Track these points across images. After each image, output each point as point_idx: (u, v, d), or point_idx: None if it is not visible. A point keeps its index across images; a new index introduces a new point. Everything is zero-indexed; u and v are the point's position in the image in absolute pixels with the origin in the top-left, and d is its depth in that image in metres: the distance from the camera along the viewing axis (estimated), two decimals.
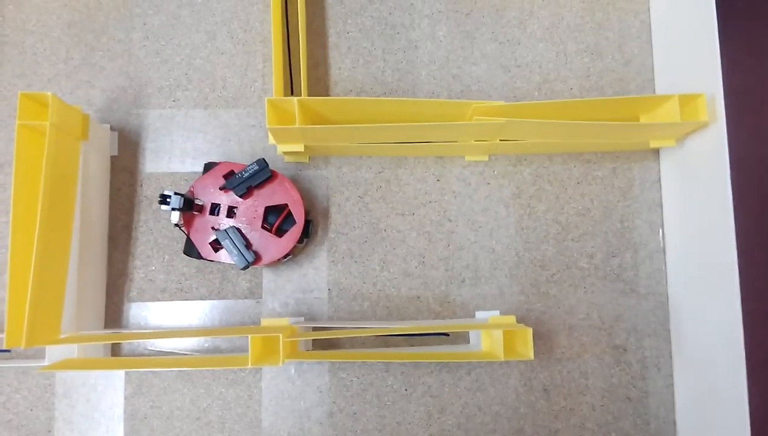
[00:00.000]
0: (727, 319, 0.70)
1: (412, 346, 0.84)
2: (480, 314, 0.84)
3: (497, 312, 0.83)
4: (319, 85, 0.88)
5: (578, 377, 0.84)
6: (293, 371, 0.83)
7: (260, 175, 0.76)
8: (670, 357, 0.85)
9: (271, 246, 0.77)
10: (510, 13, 0.90)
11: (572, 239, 0.86)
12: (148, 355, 0.83)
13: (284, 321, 0.79)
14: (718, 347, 0.73)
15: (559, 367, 0.84)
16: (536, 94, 0.89)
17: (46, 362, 0.76)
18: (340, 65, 0.88)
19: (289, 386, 0.82)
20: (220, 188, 0.77)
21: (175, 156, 0.86)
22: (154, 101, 0.87)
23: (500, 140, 0.80)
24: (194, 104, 0.87)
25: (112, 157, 0.85)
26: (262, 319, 0.81)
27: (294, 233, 0.77)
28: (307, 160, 0.86)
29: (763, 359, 0.69)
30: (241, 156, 0.86)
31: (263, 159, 0.76)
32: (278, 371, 0.83)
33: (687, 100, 0.75)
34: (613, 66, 0.89)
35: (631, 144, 0.84)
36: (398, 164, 0.86)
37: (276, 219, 0.77)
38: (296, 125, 0.72)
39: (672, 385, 0.84)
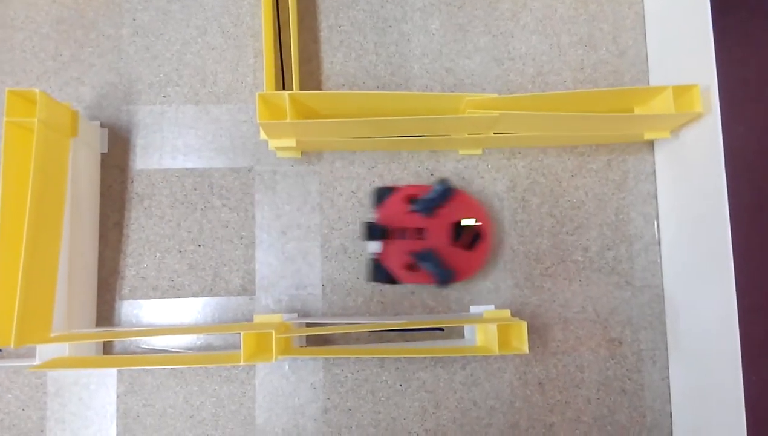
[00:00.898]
0: (723, 311, 0.70)
1: (407, 341, 0.83)
2: (475, 309, 0.83)
3: (492, 306, 0.83)
4: (311, 80, 0.87)
5: (573, 371, 0.84)
6: (287, 367, 0.82)
7: (445, 195, 0.78)
8: (666, 350, 0.84)
9: (465, 261, 0.79)
10: (503, 5, 0.89)
11: (567, 232, 0.85)
12: (141, 353, 0.82)
13: (277, 317, 0.79)
14: (713, 339, 0.73)
15: (554, 360, 0.84)
16: (530, 86, 0.88)
17: (37, 362, 0.75)
18: (332, 59, 0.88)
19: (283, 383, 0.82)
20: (406, 212, 0.79)
21: (166, 152, 0.85)
22: (145, 97, 0.86)
23: (494, 133, 0.80)
24: (185, 100, 0.86)
25: (103, 155, 0.84)
26: (254, 315, 0.81)
27: (485, 245, 0.80)
28: (300, 156, 0.85)
29: (758, 351, 0.68)
30: (233, 152, 0.85)
31: (446, 179, 0.79)
32: (272, 368, 0.82)
33: (681, 91, 0.74)
34: (608, 58, 0.89)
35: (626, 136, 0.83)
36: (392, 159, 0.86)
37: (461, 234, 0.79)
38: (287, 120, 0.71)
39: (668, 377, 0.84)
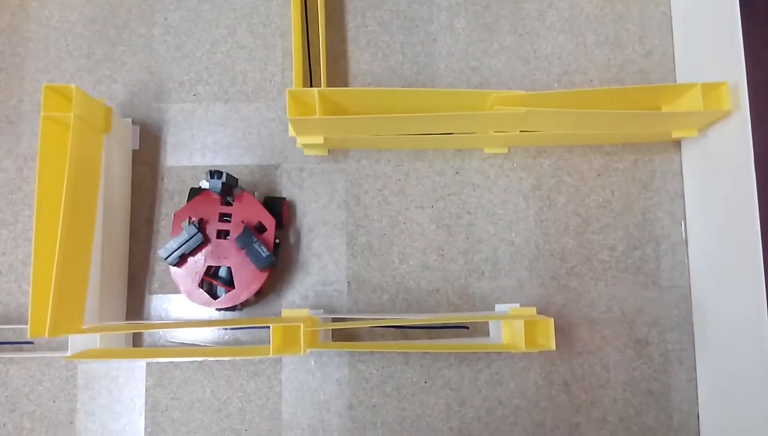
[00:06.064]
0: (752, 312, 0.69)
1: (432, 339, 0.83)
2: (500, 307, 0.83)
3: (517, 305, 0.83)
4: (338, 79, 0.88)
5: (599, 371, 0.83)
6: (313, 363, 0.83)
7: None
8: (693, 351, 0.83)
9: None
10: (529, 4, 0.90)
11: (593, 232, 0.85)
12: (170, 347, 0.83)
13: (304, 312, 0.80)
14: (742, 341, 0.72)
15: (580, 360, 0.83)
16: (556, 86, 0.88)
17: (69, 353, 0.77)
18: (359, 59, 0.88)
19: (308, 378, 0.82)
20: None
21: (195, 150, 0.86)
22: (175, 96, 0.87)
23: (520, 131, 0.80)
24: (214, 98, 0.87)
25: (134, 151, 0.86)
26: (282, 310, 0.81)
27: None
28: (326, 154, 0.86)
29: None
30: (262, 150, 0.86)
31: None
32: (298, 363, 0.83)
33: (710, 89, 0.74)
34: (634, 57, 0.88)
35: (653, 135, 0.83)
36: (417, 157, 0.86)
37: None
38: (316, 116, 0.72)
39: (695, 378, 0.83)
